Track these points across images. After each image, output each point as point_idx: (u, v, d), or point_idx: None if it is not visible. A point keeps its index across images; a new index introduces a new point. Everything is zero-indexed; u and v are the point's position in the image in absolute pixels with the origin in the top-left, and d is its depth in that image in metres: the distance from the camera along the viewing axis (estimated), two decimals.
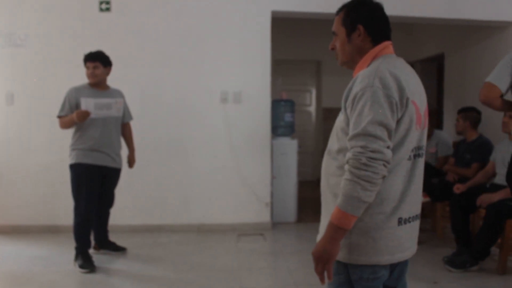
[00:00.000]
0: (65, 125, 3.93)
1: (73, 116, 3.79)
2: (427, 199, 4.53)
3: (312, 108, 8.60)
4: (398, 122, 1.54)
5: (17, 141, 5.02)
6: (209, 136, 5.13)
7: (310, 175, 8.11)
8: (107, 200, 4.19)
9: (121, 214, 4.78)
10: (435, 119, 7.17)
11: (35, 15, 5.01)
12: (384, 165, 1.48)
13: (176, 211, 5.16)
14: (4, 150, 5.03)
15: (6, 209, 5.02)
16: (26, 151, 5.02)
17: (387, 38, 1.72)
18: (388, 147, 1.49)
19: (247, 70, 5.13)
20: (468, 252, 3.94)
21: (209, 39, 5.10)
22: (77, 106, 3.90)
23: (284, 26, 5.14)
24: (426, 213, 4.97)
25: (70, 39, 5.02)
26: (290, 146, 5.43)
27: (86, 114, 3.79)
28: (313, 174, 8.07)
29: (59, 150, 4.77)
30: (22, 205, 5.03)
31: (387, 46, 1.70)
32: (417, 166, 1.64)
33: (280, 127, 5.49)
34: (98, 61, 3.97)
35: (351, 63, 1.74)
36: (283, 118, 5.48)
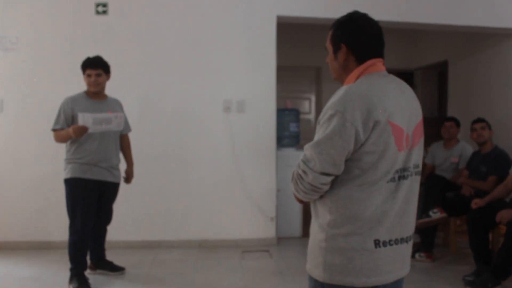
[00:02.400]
0: (60, 139, 3.65)
1: (70, 131, 3.51)
2: (443, 214, 4.30)
3: (312, 116, 8.37)
4: (363, 145, 1.53)
5: (7, 152, 4.75)
6: (212, 146, 4.89)
7: None
8: (105, 216, 3.91)
9: (118, 230, 4.49)
10: (436, 127, 6.98)
11: (27, 18, 4.76)
12: (312, 187, 1.58)
13: (176, 226, 4.90)
14: None
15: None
16: (17, 162, 4.75)
17: (375, 55, 1.68)
18: (323, 173, 1.55)
19: (251, 78, 4.90)
20: (489, 271, 3.71)
21: (211, 45, 4.87)
22: (73, 118, 3.62)
23: (282, 31, 4.95)
24: (439, 227, 4.76)
25: (64, 43, 4.76)
26: (295, 157, 5.16)
27: (83, 130, 3.51)
28: None
29: (52, 161, 4.50)
30: (11, 220, 4.73)
31: (373, 64, 1.67)
32: (401, 188, 1.61)
33: (285, 137, 5.25)
34: (100, 68, 3.70)
35: (340, 79, 1.75)
36: (288, 128, 5.24)
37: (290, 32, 6.90)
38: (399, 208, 1.61)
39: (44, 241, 4.71)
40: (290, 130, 5.25)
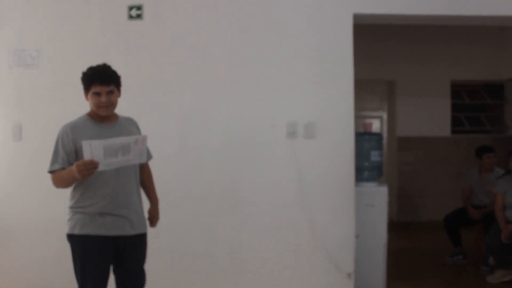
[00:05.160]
0: (62, 183, 2.71)
1: (73, 171, 2.56)
2: None
3: (383, 137, 7.30)
4: None
5: (26, 186, 4.00)
6: (272, 182, 3.93)
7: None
8: (134, 282, 2.92)
9: None
10: None
11: (49, 27, 4.03)
12: None
13: (225, 283, 3.95)
14: (10, 198, 4.02)
15: (12, 271, 4.00)
16: (37, 198, 3.98)
17: None
18: None
19: (322, 95, 3.93)
20: None
21: (270, 54, 3.95)
22: (77, 152, 2.67)
23: None
24: None
25: (91, 55, 3.87)
26: (378, 194, 4.13)
27: (91, 166, 2.52)
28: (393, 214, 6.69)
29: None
30: (31, 266, 3.99)
31: None
32: None
33: (364, 169, 4.20)
34: (113, 83, 2.75)
35: None
36: (368, 157, 4.18)
37: (357, 39, 5.91)
38: None
39: None
40: (371, 160, 4.19)
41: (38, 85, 4.00)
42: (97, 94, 2.69)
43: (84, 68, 3.87)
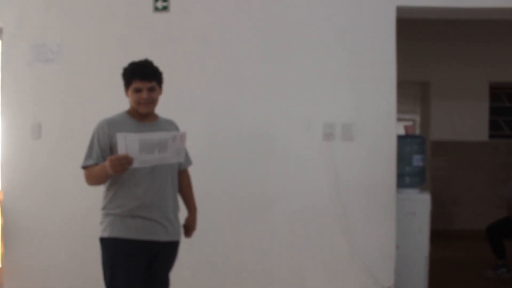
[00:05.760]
0: (95, 179, 2.55)
1: (106, 166, 2.38)
2: None
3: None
4: None
5: (45, 185, 3.86)
6: (306, 187, 3.67)
7: None
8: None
9: None
10: None
11: (70, 21, 3.87)
12: None
13: None
14: (29, 198, 3.87)
15: (30, 273, 3.84)
16: (56, 198, 3.85)
17: None
18: None
19: (362, 94, 3.65)
20: None
21: (304, 50, 3.69)
22: (113, 149, 2.50)
23: None
24: None
25: (114, 49, 3.80)
26: (420, 202, 3.83)
27: (125, 161, 2.33)
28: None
29: (99, 196, 3.40)
30: (50, 268, 3.83)
31: None
32: None
33: (405, 175, 3.89)
34: (154, 79, 2.59)
35: None
36: (410, 162, 3.88)
37: None
38: None
39: None
40: (412, 165, 3.89)
41: (59, 81, 3.84)
42: (138, 90, 2.54)
43: (107, 63, 3.76)
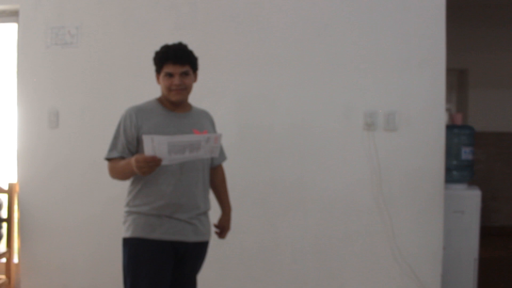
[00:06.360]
0: (119, 174, 2.32)
1: (132, 164, 2.13)
2: None
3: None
4: None
5: (63, 178, 3.64)
6: (344, 181, 3.34)
7: None
8: None
9: None
10: None
11: (89, 2, 3.63)
12: None
13: None
14: (46, 191, 3.67)
15: (45, 271, 3.65)
16: (75, 191, 3.63)
17: None
18: None
19: (407, 80, 3.28)
20: None
21: (344, 32, 3.33)
22: (140, 140, 2.26)
23: None
24: None
25: (137, 32, 3.53)
26: (469, 199, 3.49)
27: (153, 163, 2.09)
28: None
29: (121, 190, 3.13)
30: (69, 263, 3.64)
31: None
32: None
33: (452, 168, 3.55)
34: (188, 63, 2.32)
35: None
36: (458, 154, 3.54)
37: None
38: None
39: None
40: (461, 158, 3.54)
41: (78, 66, 3.61)
42: (170, 75, 2.29)
43: (131, 47, 3.50)
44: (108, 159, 2.32)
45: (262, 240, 3.40)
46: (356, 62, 3.31)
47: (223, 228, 2.60)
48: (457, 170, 3.58)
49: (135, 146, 2.28)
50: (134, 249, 2.29)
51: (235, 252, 3.41)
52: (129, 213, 2.33)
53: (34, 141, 3.63)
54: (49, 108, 3.61)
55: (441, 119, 3.26)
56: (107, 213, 3.49)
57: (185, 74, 2.29)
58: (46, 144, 3.63)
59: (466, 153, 3.56)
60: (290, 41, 3.37)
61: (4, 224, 3.66)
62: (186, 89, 2.32)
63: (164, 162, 2.10)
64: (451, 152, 3.54)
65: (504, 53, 5.95)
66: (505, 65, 5.95)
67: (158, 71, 2.32)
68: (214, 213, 2.60)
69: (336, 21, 3.33)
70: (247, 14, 3.41)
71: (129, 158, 2.19)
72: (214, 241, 2.59)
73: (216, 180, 2.60)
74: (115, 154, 2.29)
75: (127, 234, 2.31)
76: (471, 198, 3.51)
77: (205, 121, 2.46)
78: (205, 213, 2.44)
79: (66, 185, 3.62)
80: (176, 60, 2.26)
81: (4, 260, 3.63)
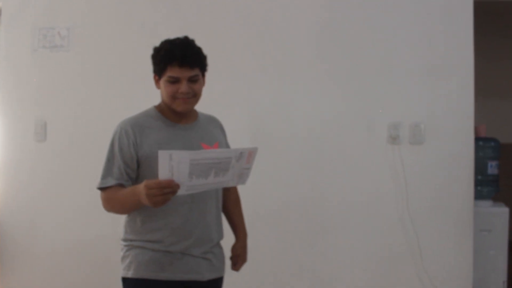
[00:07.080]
0: (117, 206, 1.89)
1: (139, 193, 1.70)
2: None
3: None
4: None
5: (51, 197, 3.48)
6: (366, 198, 3.16)
7: None
8: None
9: None
10: None
11: (82, 0, 3.47)
12: None
13: None
14: (31, 211, 3.50)
15: None
16: (64, 212, 3.45)
17: None
18: None
19: (433, 89, 3.12)
20: None
21: (366, 37, 3.18)
22: (140, 161, 1.88)
23: None
24: None
25: (134, 35, 3.38)
26: (496, 216, 3.35)
27: (169, 190, 1.63)
28: None
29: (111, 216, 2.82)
30: None
31: None
32: None
33: (477, 184, 3.40)
34: (198, 66, 1.92)
35: None
36: (484, 169, 3.38)
37: None
38: None
39: None
40: (487, 173, 3.38)
41: (68, 71, 3.43)
42: (175, 80, 1.86)
43: (126, 50, 3.27)
44: (102, 189, 1.89)
45: (280, 263, 3.18)
46: (379, 70, 3.15)
47: (237, 258, 2.21)
48: (482, 186, 3.41)
49: (135, 170, 1.88)
50: None
51: (245, 281, 3.08)
52: (129, 247, 1.94)
53: (18, 155, 3.46)
54: (36, 119, 3.42)
55: (469, 130, 3.11)
56: (102, 238, 3.29)
57: (194, 79, 1.90)
58: (32, 159, 3.44)
59: (492, 167, 3.42)
60: (308, 45, 3.21)
61: None
62: (195, 97, 1.93)
63: (181, 192, 1.66)
64: (476, 166, 3.36)
65: None
66: None
67: (159, 73, 1.90)
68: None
69: (356, 28, 3.18)
70: (262, 16, 3.25)
71: (134, 187, 1.78)
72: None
73: (230, 201, 2.23)
74: (110, 182, 1.85)
75: (128, 274, 1.91)
76: (499, 215, 3.37)
77: (215, 130, 2.10)
78: (218, 244, 2.08)
79: (53, 205, 3.43)
80: (183, 61, 1.84)
81: None
